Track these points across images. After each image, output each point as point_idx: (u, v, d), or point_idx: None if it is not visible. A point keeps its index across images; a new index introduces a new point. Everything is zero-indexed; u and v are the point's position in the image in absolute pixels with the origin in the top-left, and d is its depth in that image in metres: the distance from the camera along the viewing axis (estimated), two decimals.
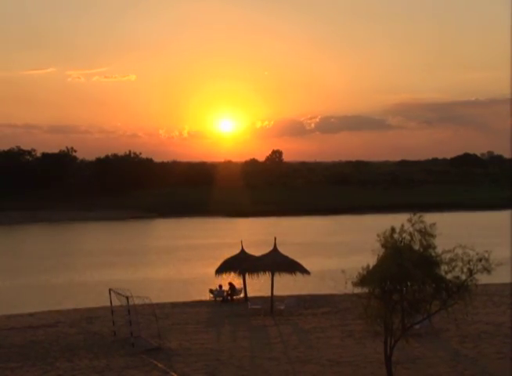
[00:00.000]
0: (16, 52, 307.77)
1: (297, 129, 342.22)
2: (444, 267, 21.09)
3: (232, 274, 41.45)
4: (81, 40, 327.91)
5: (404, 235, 21.46)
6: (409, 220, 21.41)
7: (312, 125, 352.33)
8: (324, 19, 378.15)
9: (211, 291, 42.11)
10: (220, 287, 42.21)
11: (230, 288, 42.33)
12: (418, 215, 21.38)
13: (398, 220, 22.11)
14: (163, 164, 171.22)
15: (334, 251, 66.80)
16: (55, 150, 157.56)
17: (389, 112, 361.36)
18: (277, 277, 38.34)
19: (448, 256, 20.94)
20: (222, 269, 41.89)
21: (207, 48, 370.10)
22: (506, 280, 42.50)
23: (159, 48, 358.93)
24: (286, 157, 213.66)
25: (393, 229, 21.52)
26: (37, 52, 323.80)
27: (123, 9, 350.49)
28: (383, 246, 21.55)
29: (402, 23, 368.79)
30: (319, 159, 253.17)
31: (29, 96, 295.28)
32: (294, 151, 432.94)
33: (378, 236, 21.71)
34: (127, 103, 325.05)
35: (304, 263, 39.48)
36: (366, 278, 21.50)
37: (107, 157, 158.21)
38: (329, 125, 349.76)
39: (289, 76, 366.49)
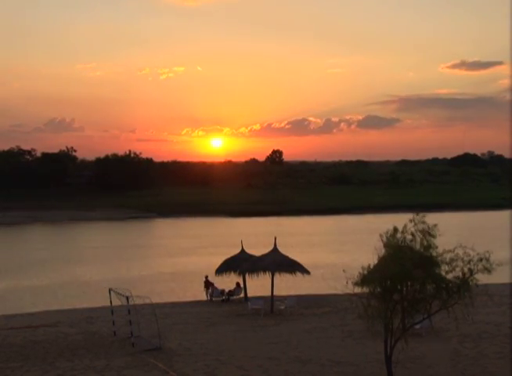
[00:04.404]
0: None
1: (298, 129, 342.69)
2: (444, 267, 21.07)
3: (232, 274, 41.42)
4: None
5: (405, 235, 21.44)
6: (412, 220, 21.37)
7: (313, 125, 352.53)
8: (326, 18, 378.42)
9: (214, 287, 42.16)
10: (212, 284, 42.30)
11: (235, 288, 42.39)
12: (421, 214, 21.35)
13: (398, 220, 22.10)
14: (163, 164, 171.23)
15: (334, 251, 66.78)
16: (55, 150, 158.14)
17: (391, 110, 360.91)
18: (277, 277, 38.34)
19: (448, 256, 20.92)
20: (222, 269, 41.86)
21: (211, 49, 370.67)
22: (506, 280, 42.46)
23: (162, 45, 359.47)
24: (286, 157, 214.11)
25: (395, 229, 21.50)
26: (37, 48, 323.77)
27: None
28: (385, 246, 21.52)
29: (400, 21, 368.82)
30: (319, 159, 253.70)
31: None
32: (294, 151, 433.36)
33: (380, 236, 21.69)
34: (125, 101, 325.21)
35: (304, 263, 39.48)
36: (367, 278, 21.47)
37: (107, 157, 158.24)
38: (330, 125, 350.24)
39: (289, 76, 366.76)
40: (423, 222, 21.27)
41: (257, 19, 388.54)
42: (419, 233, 21.28)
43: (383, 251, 21.58)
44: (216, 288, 42.46)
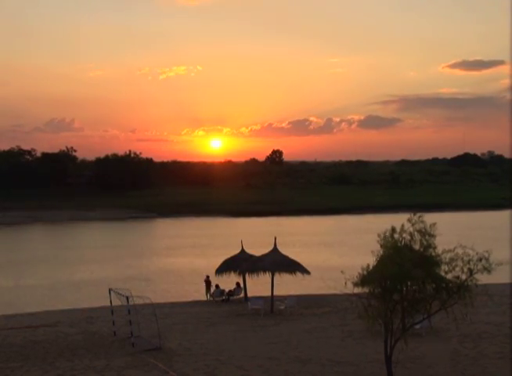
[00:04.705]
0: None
1: (298, 129, 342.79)
2: (444, 267, 21.07)
3: (232, 274, 41.42)
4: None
5: (404, 235, 21.44)
6: (409, 220, 21.38)
7: (314, 125, 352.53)
8: (328, 18, 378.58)
9: (217, 287, 42.18)
10: (216, 286, 42.34)
11: (235, 288, 42.41)
12: (418, 215, 21.36)
13: (398, 220, 22.09)
14: (163, 164, 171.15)
15: (334, 251, 66.78)
16: (55, 150, 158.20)
17: (392, 110, 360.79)
18: (277, 277, 38.35)
19: (448, 256, 20.93)
20: (222, 269, 41.86)
21: (211, 49, 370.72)
22: (506, 280, 42.46)
23: (162, 44, 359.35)
24: (286, 157, 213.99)
25: (393, 229, 21.50)
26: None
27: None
28: (383, 246, 21.53)
29: (401, 21, 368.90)
30: (319, 159, 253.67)
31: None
32: (294, 151, 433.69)
33: (378, 236, 21.70)
34: (125, 101, 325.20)
35: (304, 263, 39.49)
36: (366, 278, 21.48)
37: (107, 157, 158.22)
38: (331, 125, 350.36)
39: (290, 75, 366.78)
40: (422, 222, 21.28)
41: (258, 18, 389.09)
42: (417, 233, 21.29)
43: (381, 251, 21.59)
44: (218, 288, 42.43)
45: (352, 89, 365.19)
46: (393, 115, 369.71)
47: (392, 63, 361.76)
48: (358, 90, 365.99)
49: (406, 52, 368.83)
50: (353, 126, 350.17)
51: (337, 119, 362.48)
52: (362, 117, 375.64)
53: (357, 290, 21.70)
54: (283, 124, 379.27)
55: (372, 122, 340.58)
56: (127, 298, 29.14)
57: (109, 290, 31.79)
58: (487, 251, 20.78)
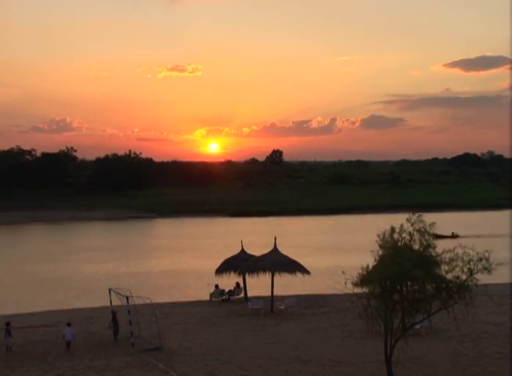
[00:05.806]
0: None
1: (299, 129, 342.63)
2: (444, 267, 21.08)
3: (232, 274, 41.41)
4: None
5: (403, 235, 21.44)
6: (408, 220, 21.39)
7: (316, 125, 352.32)
8: (331, 17, 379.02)
9: (217, 287, 42.13)
10: (216, 286, 42.31)
11: (234, 288, 42.40)
12: (417, 214, 21.37)
13: (398, 220, 22.10)
14: (163, 164, 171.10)
15: (334, 251, 66.79)
16: (55, 150, 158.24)
17: (394, 110, 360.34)
18: (277, 277, 38.35)
19: (448, 256, 20.93)
20: (222, 268, 41.88)
21: (212, 47, 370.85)
22: (506, 280, 42.49)
23: (163, 43, 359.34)
24: (286, 157, 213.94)
25: (393, 229, 21.51)
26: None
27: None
28: (382, 246, 21.53)
29: (403, 20, 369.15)
30: (319, 159, 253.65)
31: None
32: (294, 151, 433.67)
33: (378, 236, 21.70)
34: (125, 101, 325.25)
35: (305, 263, 39.48)
36: (366, 278, 21.48)
37: (107, 156, 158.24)
38: (334, 125, 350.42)
39: (292, 75, 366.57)
40: (421, 221, 21.28)
41: (261, 17, 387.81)
42: (416, 233, 21.28)
43: (380, 251, 21.59)
44: (218, 288, 42.41)
45: (356, 89, 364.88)
46: (396, 115, 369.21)
47: (395, 62, 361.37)
48: (361, 89, 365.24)
49: (409, 52, 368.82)
50: (355, 126, 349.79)
51: (341, 119, 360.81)
52: (365, 117, 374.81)
53: (357, 290, 21.71)
54: (285, 124, 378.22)
55: (374, 122, 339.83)
56: (127, 298, 29.15)
57: (110, 290, 31.79)
58: (487, 251, 20.80)
